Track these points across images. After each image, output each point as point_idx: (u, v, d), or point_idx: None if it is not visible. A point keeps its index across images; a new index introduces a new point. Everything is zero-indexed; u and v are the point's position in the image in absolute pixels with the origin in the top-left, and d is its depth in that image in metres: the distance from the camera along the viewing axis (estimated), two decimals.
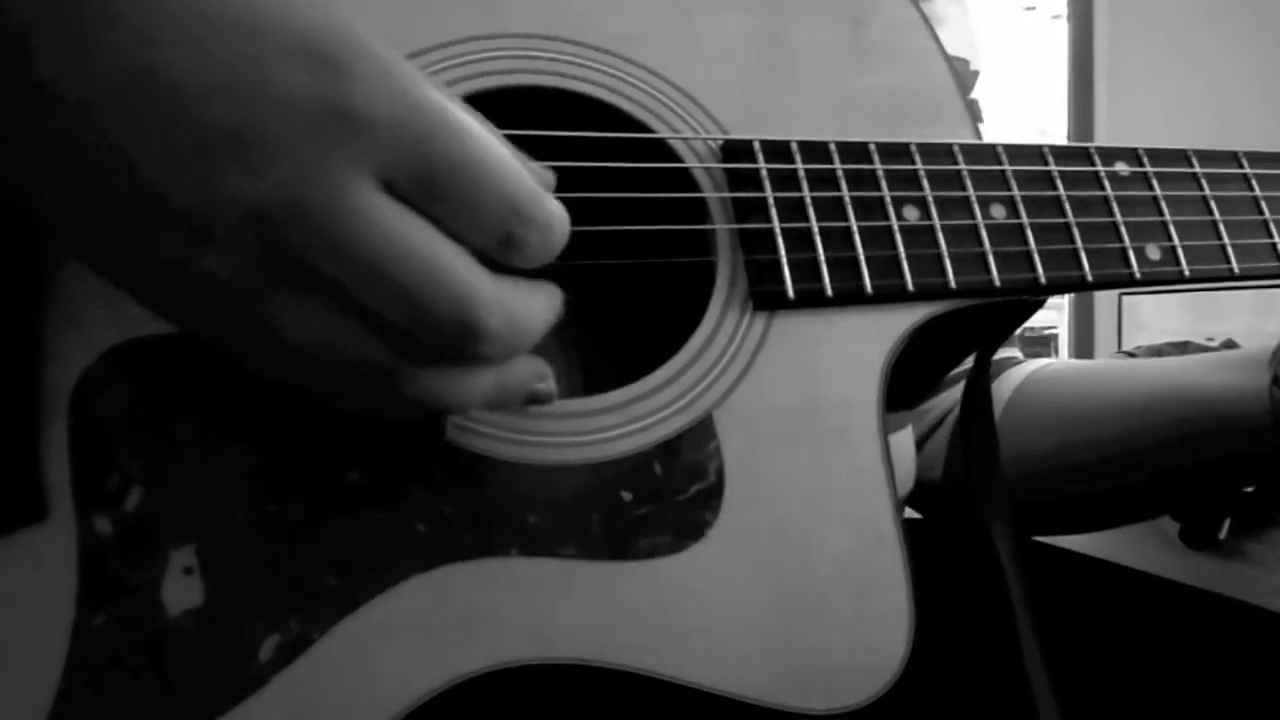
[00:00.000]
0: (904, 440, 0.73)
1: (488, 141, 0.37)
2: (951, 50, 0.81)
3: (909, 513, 0.81)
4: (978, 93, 0.87)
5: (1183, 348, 1.18)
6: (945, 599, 0.70)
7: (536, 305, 0.40)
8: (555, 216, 0.39)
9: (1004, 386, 0.83)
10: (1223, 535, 0.93)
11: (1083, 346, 2.63)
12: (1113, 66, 2.63)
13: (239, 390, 0.44)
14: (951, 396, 0.83)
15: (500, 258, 0.38)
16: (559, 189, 0.49)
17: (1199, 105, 2.50)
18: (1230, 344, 1.27)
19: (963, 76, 0.83)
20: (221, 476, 0.43)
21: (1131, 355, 1.15)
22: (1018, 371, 0.84)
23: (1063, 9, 2.74)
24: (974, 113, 0.85)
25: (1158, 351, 1.17)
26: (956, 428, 0.72)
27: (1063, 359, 0.92)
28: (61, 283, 0.44)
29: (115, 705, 0.41)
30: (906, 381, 0.62)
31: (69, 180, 0.35)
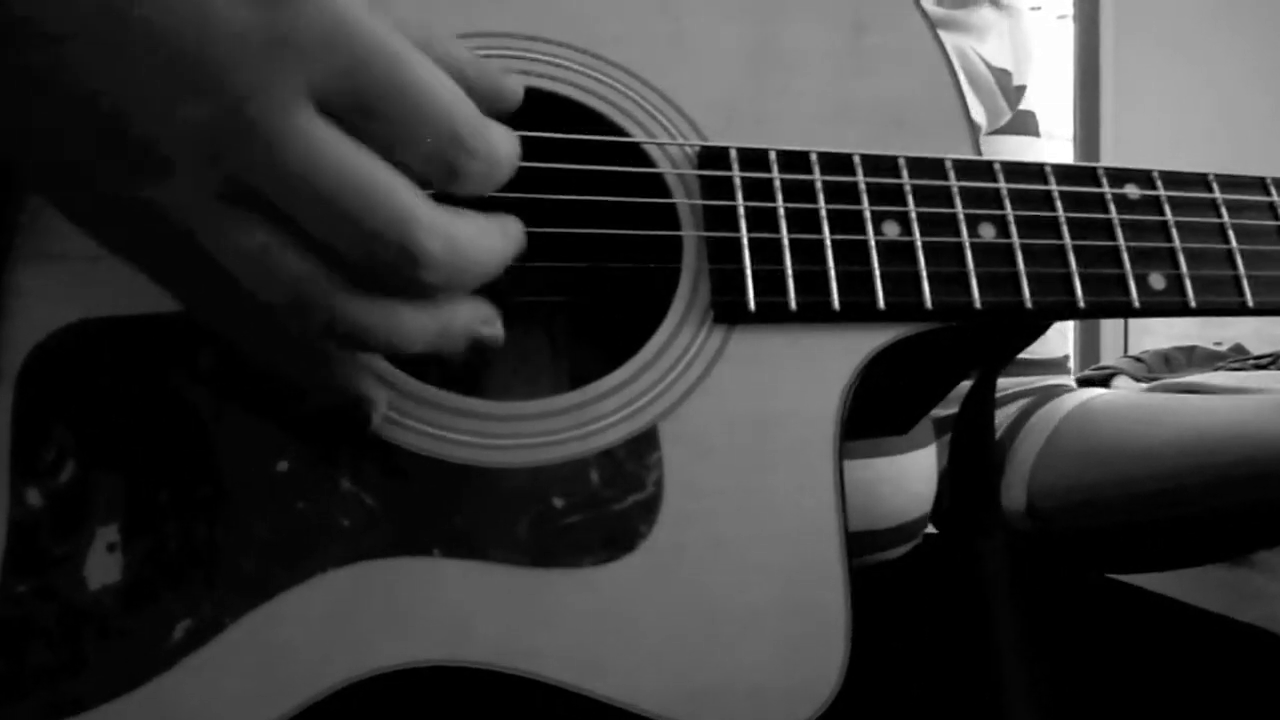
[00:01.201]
0: (923, 460, 0.71)
1: (425, 68, 0.38)
2: (994, 62, 0.78)
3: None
4: (1034, 106, 0.84)
5: (1189, 352, 1.12)
6: (934, 619, 0.68)
7: (486, 235, 0.39)
8: (500, 146, 0.39)
9: (1052, 414, 0.80)
10: None
11: (1088, 352, 2.54)
12: (1118, 68, 2.54)
13: (177, 375, 0.45)
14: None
15: (442, 186, 0.38)
16: (530, 189, 0.48)
17: (1204, 107, 2.41)
18: (1239, 348, 1.19)
19: (1004, 90, 0.80)
20: (152, 458, 0.44)
21: (1139, 360, 1.09)
22: (1067, 400, 0.81)
23: (1068, 10, 2.66)
24: (1029, 129, 0.82)
25: (1165, 357, 1.11)
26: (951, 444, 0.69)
27: (1115, 390, 0.88)
28: (22, 258, 0.45)
29: (30, 673, 0.42)
30: (897, 404, 0.60)
31: (33, 110, 0.36)
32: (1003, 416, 0.81)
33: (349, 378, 0.42)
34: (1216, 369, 1.03)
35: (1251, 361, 1.03)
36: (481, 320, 0.41)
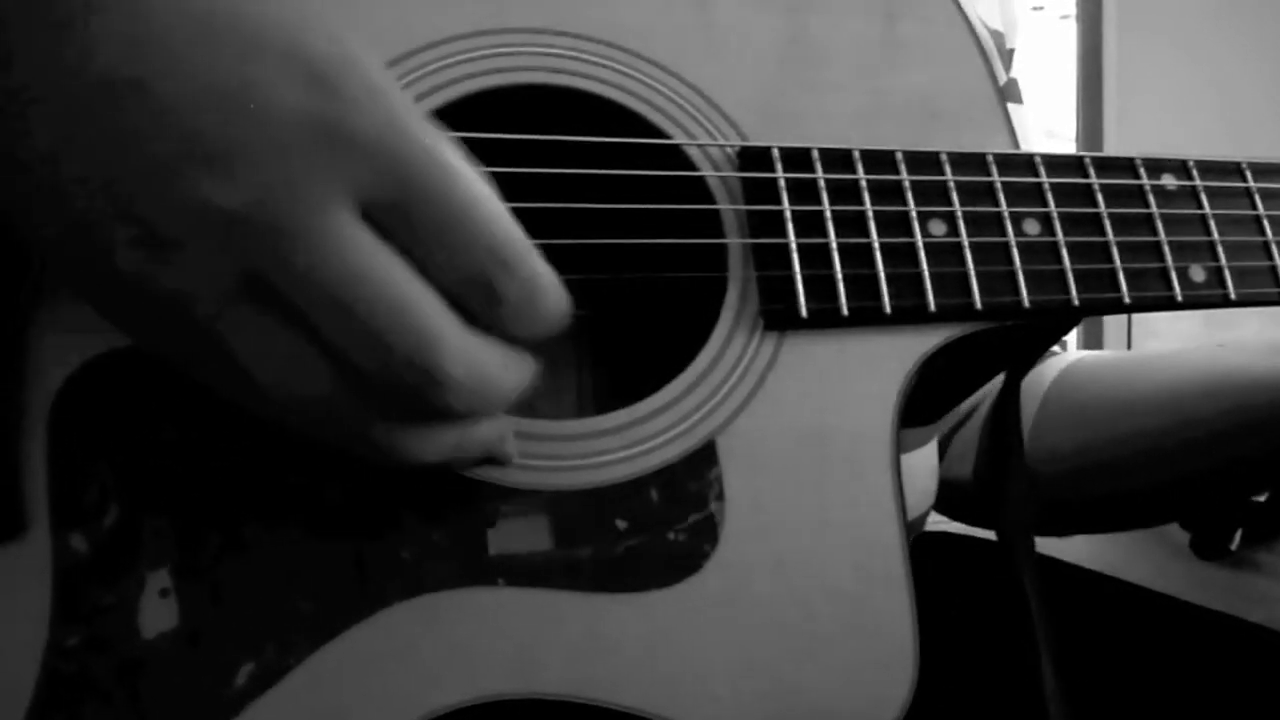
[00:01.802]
0: (926, 456, 0.71)
1: (476, 184, 0.36)
2: (990, 24, 0.77)
3: (932, 523, 0.79)
4: (1017, 72, 0.83)
5: None
6: (964, 613, 0.68)
7: (508, 366, 0.38)
8: (543, 277, 0.37)
9: (1040, 379, 0.80)
10: (1234, 546, 0.89)
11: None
12: (1122, 67, 2.51)
13: (221, 406, 0.43)
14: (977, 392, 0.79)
15: (482, 311, 0.36)
16: (566, 197, 0.47)
17: (1209, 107, 2.40)
18: None
19: (999, 50, 0.79)
20: (200, 495, 0.42)
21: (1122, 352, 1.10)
22: (1053, 364, 0.81)
23: (1071, 9, 2.61)
24: (1015, 95, 0.81)
25: None
26: (984, 441, 0.69)
27: (1099, 351, 0.87)
28: (46, 291, 0.43)
29: None
30: (930, 398, 0.60)
31: (41, 184, 0.34)
32: (990, 388, 0.81)
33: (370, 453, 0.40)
34: None
35: None
36: (497, 438, 0.40)
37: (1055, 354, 0.83)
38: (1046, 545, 0.74)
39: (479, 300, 0.36)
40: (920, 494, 0.70)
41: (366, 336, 0.34)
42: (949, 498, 0.78)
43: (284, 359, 0.35)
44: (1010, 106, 0.82)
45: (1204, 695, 0.63)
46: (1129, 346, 2.32)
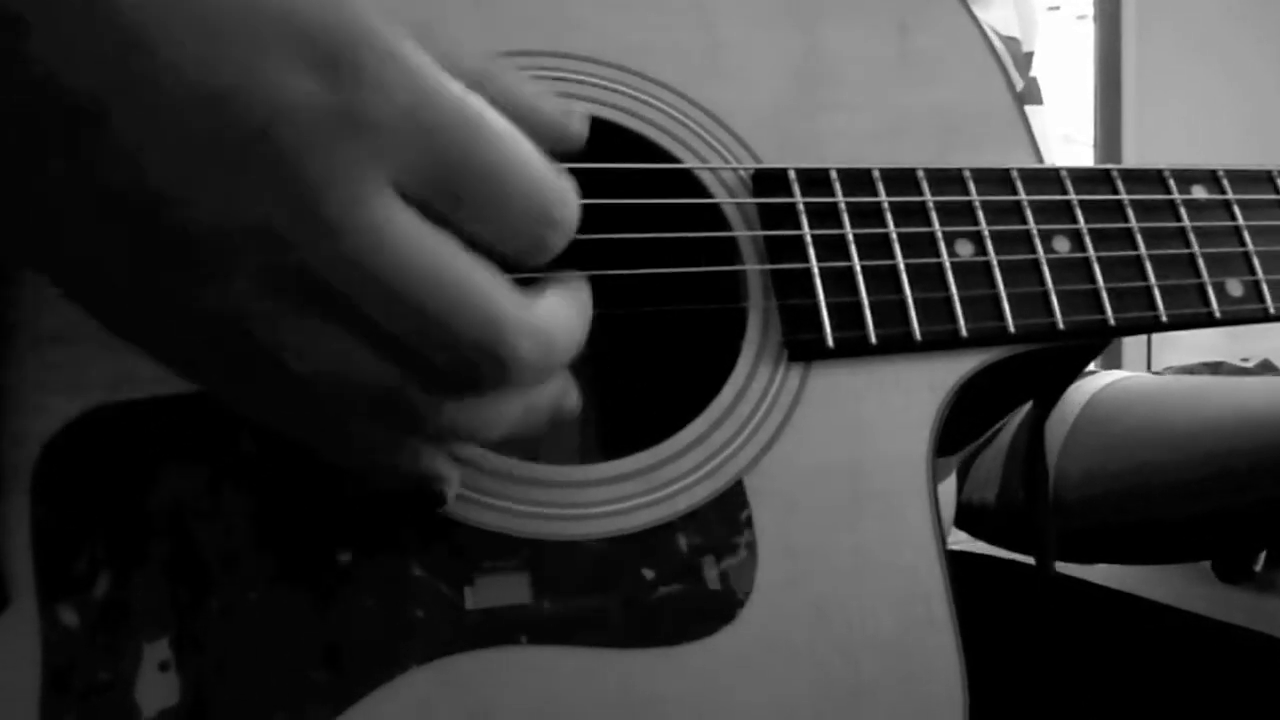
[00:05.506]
0: (947, 492, 0.68)
1: (514, 139, 0.33)
2: (1003, 31, 0.76)
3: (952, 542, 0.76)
4: (1037, 71, 0.81)
5: (1216, 368, 1.11)
6: (1000, 643, 0.66)
7: (569, 318, 0.36)
8: (575, 207, 0.35)
9: (1071, 401, 0.77)
10: (1258, 568, 0.86)
11: (1109, 367, 2.48)
12: (1141, 69, 2.47)
13: (217, 464, 0.40)
14: None
15: (525, 261, 0.35)
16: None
17: (1230, 109, 2.37)
18: (1267, 364, 1.19)
19: (1014, 57, 0.78)
20: (198, 560, 0.39)
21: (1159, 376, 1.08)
22: (1086, 385, 0.79)
23: (1089, 9, 2.59)
24: (1035, 97, 0.80)
25: (1190, 372, 1.10)
26: (1010, 468, 0.67)
27: (1134, 373, 0.85)
28: (21, 348, 0.40)
29: None
30: (957, 428, 0.57)
31: (61, 212, 0.31)
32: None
33: (420, 461, 0.38)
34: None
35: None
36: (561, 394, 0.38)
37: (1088, 373, 0.81)
38: (1069, 567, 0.72)
39: (524, 256, 0.34)
40: (943, 524, 0.68)
41: (427, 326, 0.32)
42: (972, 519, 0.76)
43: (337, 361, 0.33)
44: (1031, 108, 0.80)
45: (1231, 710, 0.61)
46: (1149, 358, 2.29)
